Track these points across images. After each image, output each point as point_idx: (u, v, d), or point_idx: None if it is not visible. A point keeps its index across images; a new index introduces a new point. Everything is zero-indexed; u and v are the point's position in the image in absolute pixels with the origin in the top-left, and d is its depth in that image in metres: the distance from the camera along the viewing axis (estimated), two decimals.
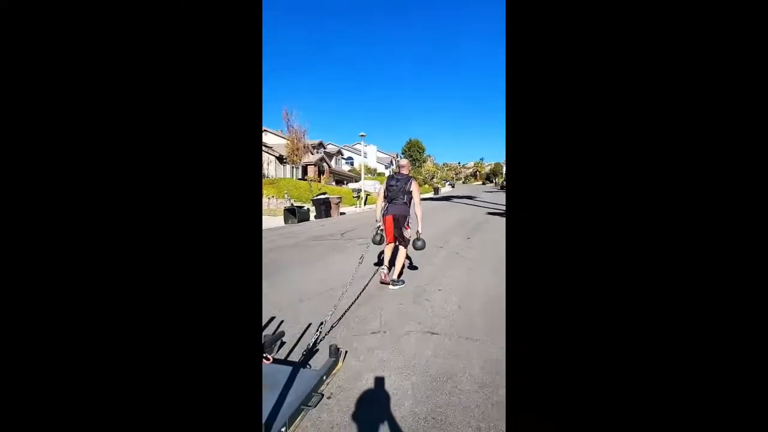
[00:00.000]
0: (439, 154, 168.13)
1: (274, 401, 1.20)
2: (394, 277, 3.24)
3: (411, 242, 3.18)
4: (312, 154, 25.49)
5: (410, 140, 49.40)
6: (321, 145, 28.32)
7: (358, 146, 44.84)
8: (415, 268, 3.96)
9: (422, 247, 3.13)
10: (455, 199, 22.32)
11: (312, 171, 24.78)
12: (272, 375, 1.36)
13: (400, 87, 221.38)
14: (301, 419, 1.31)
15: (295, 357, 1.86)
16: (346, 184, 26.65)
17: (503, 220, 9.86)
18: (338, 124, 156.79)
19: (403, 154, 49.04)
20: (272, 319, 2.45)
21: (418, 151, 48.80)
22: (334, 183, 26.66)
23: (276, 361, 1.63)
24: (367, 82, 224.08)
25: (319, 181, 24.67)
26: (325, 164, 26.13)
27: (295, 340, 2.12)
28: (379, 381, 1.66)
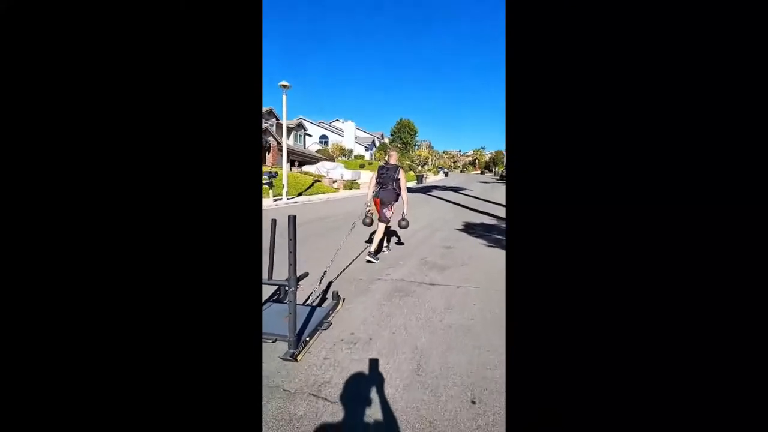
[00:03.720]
0: (440, 141, 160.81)
1: (301, 324, 2.00)
2: (372, 249, 3.71)
3: (397, 222, 3.71)
4: None
5: (401, 120, 43.08)
6: (271, 113, 21.64)
7: (336, 123, 38.37)
8: (402, 243, 4.46)
9: (406, 226, 3.71)
10: (436, 191, 16.57)
11: None
12: (301, 311, 2.15)
13: (396, 64, 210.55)
14: (319, 334, 2.04)
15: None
16: (302, 166, 20.81)
17: (490, 251, 3.95)
18: (320, 99, 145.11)
19: (392, 134, 42.81)
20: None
21: (409, 133, 42.51)
22: (288, 165, 20.73)
23: (304, 304, 2.48)
24: (359, 54, 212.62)
25: (264, 162, 18.78)
26: (272, 139, 19.86)
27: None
28: None
